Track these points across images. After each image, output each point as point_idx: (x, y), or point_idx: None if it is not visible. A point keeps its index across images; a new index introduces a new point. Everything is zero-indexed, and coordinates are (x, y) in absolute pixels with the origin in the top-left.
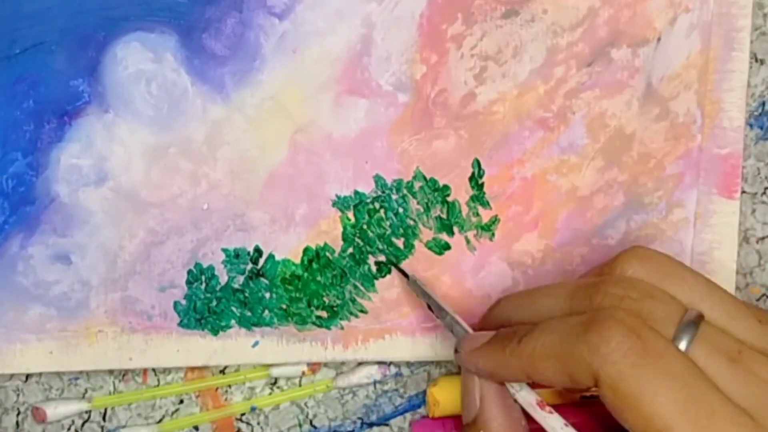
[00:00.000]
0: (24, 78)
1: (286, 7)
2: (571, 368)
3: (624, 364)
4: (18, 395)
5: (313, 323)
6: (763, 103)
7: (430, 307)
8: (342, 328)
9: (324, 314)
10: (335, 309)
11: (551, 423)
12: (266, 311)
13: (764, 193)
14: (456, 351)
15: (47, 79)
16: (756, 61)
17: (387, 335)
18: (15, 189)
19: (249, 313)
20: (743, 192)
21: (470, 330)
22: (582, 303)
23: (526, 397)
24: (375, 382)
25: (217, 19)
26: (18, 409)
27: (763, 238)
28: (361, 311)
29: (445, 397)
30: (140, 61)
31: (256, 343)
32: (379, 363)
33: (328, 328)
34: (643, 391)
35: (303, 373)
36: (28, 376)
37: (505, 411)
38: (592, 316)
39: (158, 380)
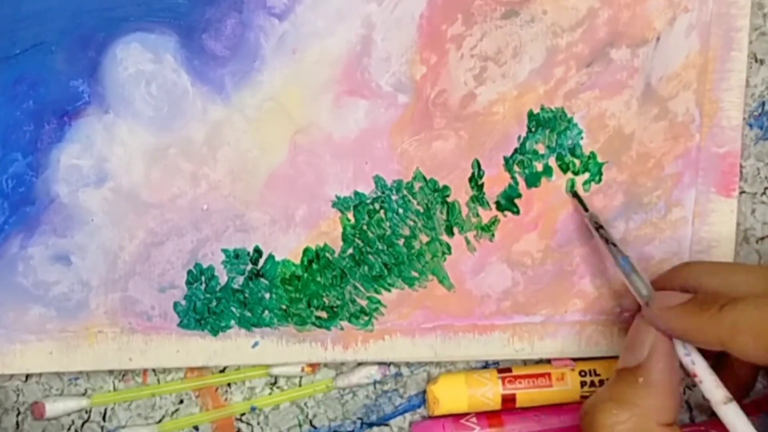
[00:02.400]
0: (24, 78)
1: (286, 8)
2: None
3: None
4: (18, 395)
5: (313, 324)
6: (763, 103)
7: (606, 242)
8: (342, 328)
9: (324, 315)
10: (335, 310)
11: (712, 392)
12: (266, 312)
13: (764, 193)
14: (646, 304)
15: (47, 79)
16: (756, 61)
17: (387, 336)
18: (15, 189)
19: (249, 314)
20: (743, 192)
21: (648, 287)
22: None
23: (696, 362)
24: (375, 382)
25: (217, 20)
26: (18, 409)
27: (762, 238)
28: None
29: (445, 395)
30: (140, 62)
31: (255, 344)
32: (379, 363)
33: (327, 328)
34: None
35: (303, 369)
36: (28, 377)
37: (670, 368)
38: None
39: (158, 380)
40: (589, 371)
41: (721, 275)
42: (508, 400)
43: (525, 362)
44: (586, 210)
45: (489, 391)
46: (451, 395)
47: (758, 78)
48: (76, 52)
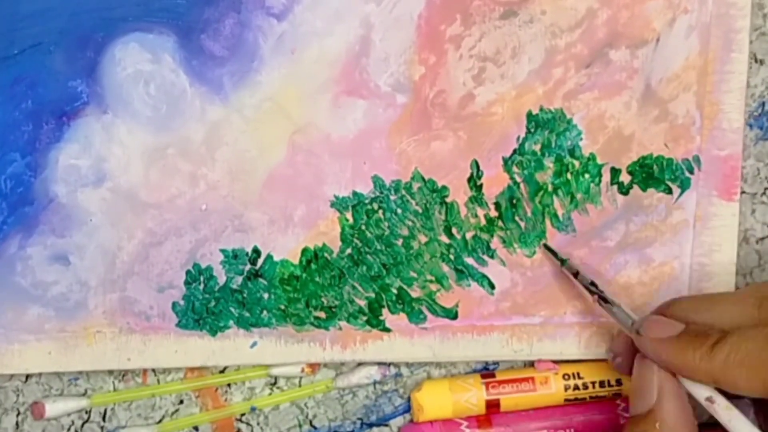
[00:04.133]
0: (22, 78)
1: (285, 8)
2: None
3: None
4: (18, 395)
5: (312, 324)
6: (763, 104)
7: (588, 290)
8: (340, 328)
9: (322, 315)
10: (333, 310)
11: (729, 419)
12: (264, 312)
13: (764, 193)
14: (637, 333)
15: (46, 79)
16: (756, 61)
17: (385, 336)
18: (13, 189)
19: (247, 314)
20: (743, 192)
21: (634, 316)
22: None
23: (703, 393)
24: (375, 383)
25: (215, 20)
26: (18, 409)
27: (762, 239)
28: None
29: (429, 402)
30: (139, 62)
31: (254, 344)
32: (379, 363)
33: (326, 328)
34: None
35: (302, 370)
36: (28, 377)
37: (683, 406)
38: None
39: (158, 380)
40: (573, 374)
41: (705, 308)
42: (493, 405)
43: (512, 366)
44: (563, 263)
45: (473, 397)
46: (436, 402)
47: (758, 78)
48: (75, 52)
